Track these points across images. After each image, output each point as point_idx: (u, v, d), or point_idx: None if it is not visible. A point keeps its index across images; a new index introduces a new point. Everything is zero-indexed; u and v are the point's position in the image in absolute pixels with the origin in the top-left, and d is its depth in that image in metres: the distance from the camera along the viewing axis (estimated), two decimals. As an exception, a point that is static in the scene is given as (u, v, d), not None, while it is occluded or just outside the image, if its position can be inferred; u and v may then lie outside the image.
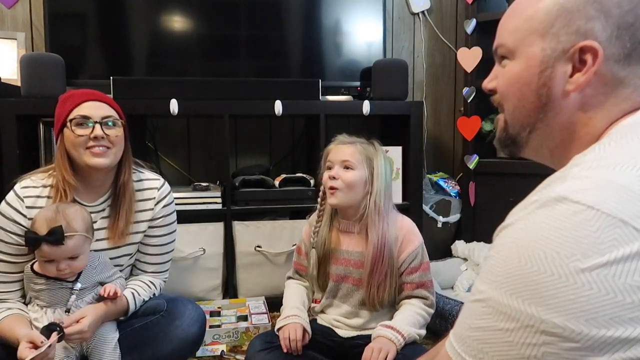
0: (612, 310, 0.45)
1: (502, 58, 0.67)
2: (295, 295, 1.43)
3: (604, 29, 0.57)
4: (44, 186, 1.25)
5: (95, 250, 1.29)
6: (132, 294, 1.30)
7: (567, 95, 0.60)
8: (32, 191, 1.24)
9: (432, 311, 1.34)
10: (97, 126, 1.21)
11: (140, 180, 1.36)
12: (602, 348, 0.46)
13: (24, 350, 1.06)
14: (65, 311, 1.18)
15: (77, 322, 1.13)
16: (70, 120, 1.21)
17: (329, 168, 1.35)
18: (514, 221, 0.54)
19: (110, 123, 1.24)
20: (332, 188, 1.31)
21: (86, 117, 1.22)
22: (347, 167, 1.32)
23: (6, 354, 1.15)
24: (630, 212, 0.46)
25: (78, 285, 1.18)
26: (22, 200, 1.22)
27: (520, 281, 0.49)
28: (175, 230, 1.44)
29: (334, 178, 1.31)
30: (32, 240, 1.12)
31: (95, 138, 1.21)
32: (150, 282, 1.38)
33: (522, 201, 0.56)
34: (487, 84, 0.71)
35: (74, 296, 1.18)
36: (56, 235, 1.11)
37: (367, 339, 1.26)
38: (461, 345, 0.55)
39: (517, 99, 0.65)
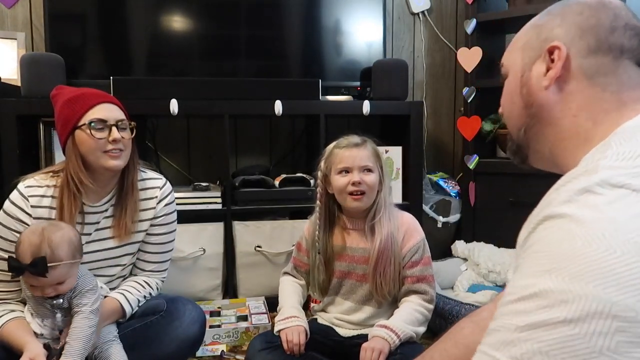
0: None
1: (505, 79, 0.76)
2: (292, 294, 1.43)
3: (567, 33, 0.66)
4: (48, 186, 1.26)
5: (100, 250, 1.29)
6: (123, 294, 1.30)
7: (545, 90, 0.67)
8: (37, 190, 1.24)
9: (431, 307, 1.34)
10: (114, 129, 1.23)
11: (143, 179, 1.37)
12: None
13: None
14: (59, 332, 1.17)
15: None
16: (89, 124, 1.21)
17: (345, 172, 1.34)
18: (550, 213, 0.51)
19: (123, 126, 1.26)
20: (358, 192, 1.32)
21: (103, 121, 1.22)
22: (367, 170, 1.33)
23: (7, 354, 1.16)
24: None
25: (60, 301, 1.15)
26: (27, 200, 1.23)
27: (582, 262, 0.45)
28: (175, 230, 1.44)
29: (359, 183, 1.31)
30: (15, 269, 1.09)
31: (114, 141, 1.22)
32: (145, 282, 1.38)
33: (545, 197, 0.54)
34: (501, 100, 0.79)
35: (59, 314, 1.16)
36: (39, 268, 1.07)
37: (366, 339, 1.26)
38: (507, 351, 0.47)
39: (509, 105, 0.74)
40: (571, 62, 0.65)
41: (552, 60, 0.66)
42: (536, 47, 0.69)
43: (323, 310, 1.44)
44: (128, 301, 1.29)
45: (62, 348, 1.12)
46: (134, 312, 1.31)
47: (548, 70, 0.66)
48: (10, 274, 1.21)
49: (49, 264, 1.08)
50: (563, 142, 0.66)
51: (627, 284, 0.42)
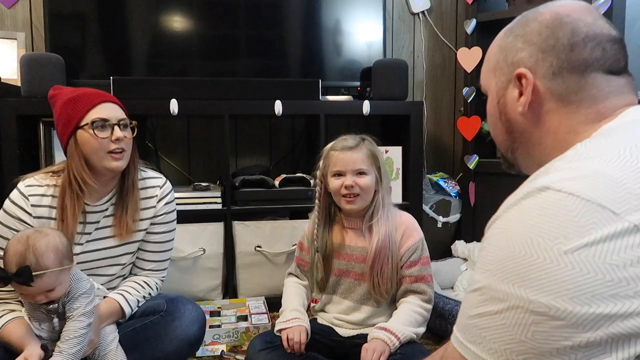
0: (594, 288, 0.48)
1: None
2: (295, 295, 1.43)
3: (530, 56, 0.68)
4: (48, 185, 1.26)
5: (100, 250, 1.30)
6: (122, 295, 1.30)
7: (522, 116, 0.69)
8: (37, 190, 1.25)
9: (429, 306, 1.34)
10: (117, 128, 1.23)
11: (143, 178, 1.37)
12: (586, 325, 0.49)
13: None
14: (58, 335, 1.15)
15: None
16: (91, 123, 1.21)
17: (338, 175, 1.34)
18: (502, 213, 0.59)
19: (125, 125, 1.26)
20: (350, 195, 1.33)
21: (105, 120, 1.22)
22: (360, 174, 1.33)
23: (7, 354, 1.16)
24: (608, 197, 0.50)
25: (55, 306, 1.14)
26: (27, 199, 1.23)
27: (510, 267, 0.53)
28: (174, 229, 1.44)
29: (352, 186, 1.32)
30: (1, 279, 1.07)
31: (117, 140, 1.22)
32: (144, 282, 1.38)
33: (510, 195, 0.60)
34: None
35: (55, 319, 1.16)
36: (23, 277, 1.05)
37: (366, 339, 1.26)
38: (463, 333, 0.59)
39: (492, 129, 0.77)
40: (539, 86, 0.67)
41: (523, 85, 0.68)
42: (506, 71, 0.71)
43: (322, 310, 1.44)
44: (127, 301, 1.29)
45: None
46: (133, 312, 1.31)
47: (520, 95, 0.68)
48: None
49: (34, 273, 1.05)
50: (549, 156, 0.67)
51: (542, 285, 0.50)
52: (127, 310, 1.28)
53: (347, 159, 1.33)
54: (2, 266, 1.10)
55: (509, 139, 0.74)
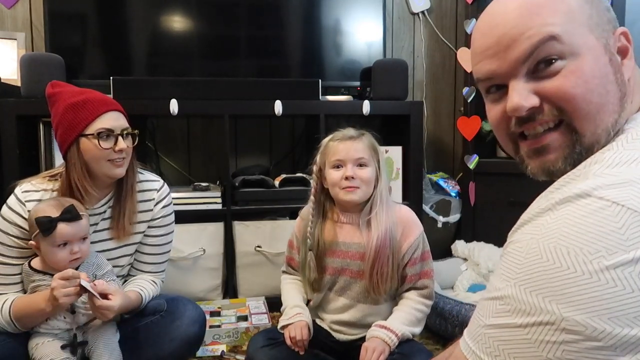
0: (637, 309, 0.44)
1: (547, 63, 0.58)
2: (294, 292, 1.41)
3: (615, 19, 0.59)
4: (45, 190, 1.26)
5: (99, 251, 1.30)
6: (142, 290, 1.31)
7: (628, 82, 0.59)
8: (34, 195, 1.24)
9: (430, 302, 1.32)
10: (120, 139, 1.24)
11: (141, 181, 1.37)
12: (625, 348, 0.45)
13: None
14: (71, 312, 1.19)
15: (107, 297, 1.15)
16: (97, 134, 1.20)
17: (338, 166, 1.30)
18: (532, 217, 0.53)
19: (127, 134, 1.26)
20: (350, 187, 1.29)
21: (111, 131, 1.23)
22: (361, 165, 1.29)
23: (16, 342, 1.17)
24: None
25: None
26: (24, 204, 1.22)
27: (541, 278, 0.48)
28: (173, 232, 1.44)
29: (352, 178, 1.28)
30: (47, 224, 1.12)
31: (120, 150, 1.23)
32: (153, 281, 1.39)
33: (538, 199, 0.55)
34: (526, 101, 0.59)
35: (84, 296, 1.16)
36: (72, 213, 1.15)
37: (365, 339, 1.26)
38: (477, 343, 0.54)
39: (601, 96, 0.57)
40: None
41: (622, 48, 0.60)
42: (607, 28, 0.59)
43: (318, 308, 1.40)
44: (144, 297, 1.31)
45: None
46: (144, 305, 1.32)
47: (624, 57, 0.60)
48: (9, 275, 1.23)
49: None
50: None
51: (578, 302, 0.45)
52: (145, 301, 1.32)
53: (347, 148, 1.29)
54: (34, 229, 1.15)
55: (618, 112, 0.58)
